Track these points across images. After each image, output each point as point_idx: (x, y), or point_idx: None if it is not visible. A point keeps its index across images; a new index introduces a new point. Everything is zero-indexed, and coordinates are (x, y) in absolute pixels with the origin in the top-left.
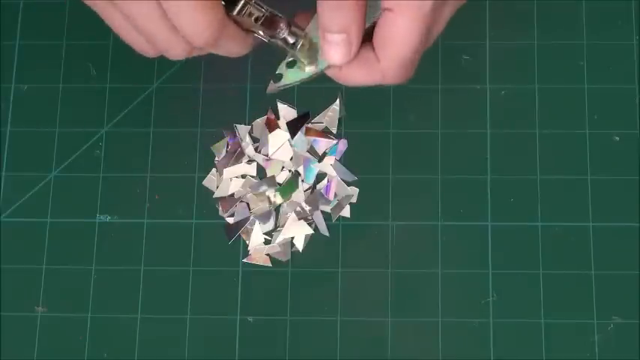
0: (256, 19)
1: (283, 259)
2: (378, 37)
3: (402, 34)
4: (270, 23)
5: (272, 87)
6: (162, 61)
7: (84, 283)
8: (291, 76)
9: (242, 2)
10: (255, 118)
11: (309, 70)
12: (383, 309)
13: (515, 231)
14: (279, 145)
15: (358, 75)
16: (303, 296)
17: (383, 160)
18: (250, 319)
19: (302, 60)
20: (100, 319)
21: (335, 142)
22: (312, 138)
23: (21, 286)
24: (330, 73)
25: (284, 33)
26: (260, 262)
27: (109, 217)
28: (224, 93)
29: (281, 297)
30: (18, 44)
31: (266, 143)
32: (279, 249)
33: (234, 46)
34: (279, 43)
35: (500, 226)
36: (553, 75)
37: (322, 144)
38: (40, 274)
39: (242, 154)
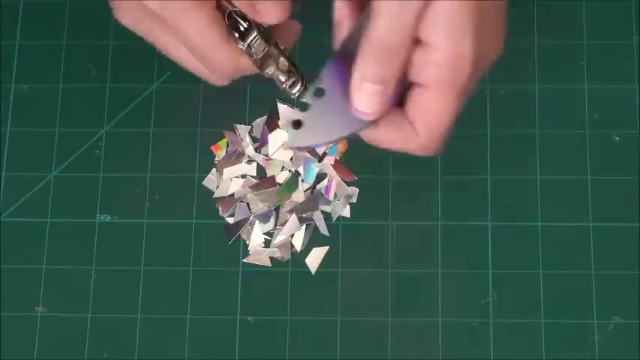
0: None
1: (283, 259)
2: (415, 112)
3: (441, 112)
4: (268, 57)
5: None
6: (163, 61)
7: (84, 283)
8: (300, 138)
9: (254, 34)
10: (255, 118)
11: (334, 134)
12: (383, 309)
13: (515, 231)
14: (279, 145)
15: (393, 141)
16: (303, 296)
17: (383, 160)
18: (250, 319)
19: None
20: (100, 319)
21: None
22: None
23: (21, 286)
24: (362, 134)
25: (273, 70)
26: (260, 262)
27: (109, 217)
28: (224, 93)
29: (281, 297)
30: (18, 44)
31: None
32: (279, 249)
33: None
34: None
35: (500, 226)
36: (553, 75)
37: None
38: (40, 274)
39: (242, 154)
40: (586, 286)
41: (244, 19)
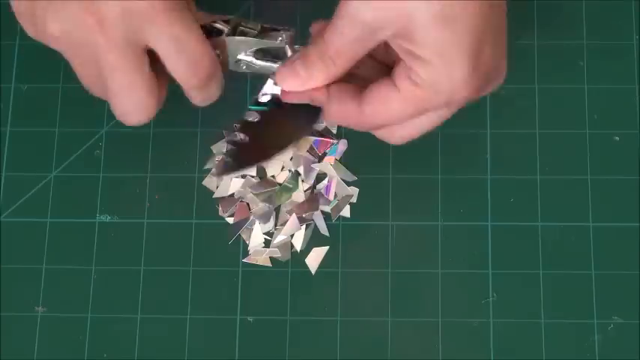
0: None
1: (283, 259)
2: (372, 102)
3: (397, 116)
4: (269, 33)
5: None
6: None
7: (84, 283)
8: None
9: (233, 24)
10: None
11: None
12: (383, 309)
13: (515, 231)
14: None
15: (336, 115)
16: (303, 296)
17: (383, 160)
18: (250, 319)
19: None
20: (100, 319)
21: (335, 142)
22: (312, 138)
23: (21, 286)
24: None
25: (284, 42)
26: (260, 262)
27: (109, 217)
28: (224, 93)
29: (281, 297)
30: (18, 44)
31: None
32: (279, 249)
33: (215, 91)
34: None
35: (500, 226)
36: (553, 75)
37: (322, 144)
38: (40, 274)
39: None
40: (586, 286)
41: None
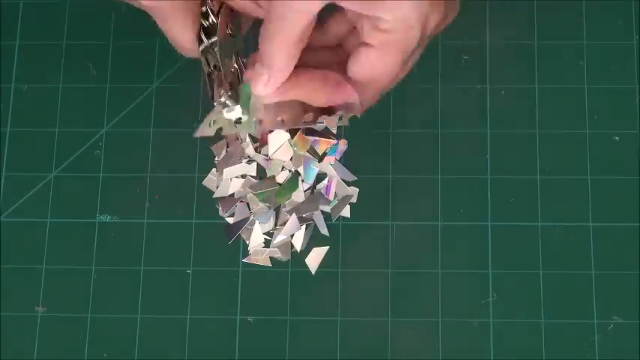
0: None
1: (283, 259)
2: (357, 68)
3: (383, 70)
4: (217, 78)
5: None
6: (162, 61)
7: (84, 283)
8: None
9: (214, 39)
10: None
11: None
12: (383, 309)
13: (515, 231)
14: (279, 145)
15: (331, 100)
16: (303, 296)
17: (383, 160)
18: (250, 319)
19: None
20: (100, 319)
21: (335, 142)
22: (312, 138)
23: (21, 286)
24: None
25: (224, 97)
26: (260, 262)
27: (109, 217)
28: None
29: (281, 297)
30: (18, 44)
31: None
32: (279, 249)
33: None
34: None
35: (500, 226)
36: (553, 75)
37: (322, 144)
38: (40, 274)
39: (242, 154)
40: (586, 286)
41: (212, 16)
